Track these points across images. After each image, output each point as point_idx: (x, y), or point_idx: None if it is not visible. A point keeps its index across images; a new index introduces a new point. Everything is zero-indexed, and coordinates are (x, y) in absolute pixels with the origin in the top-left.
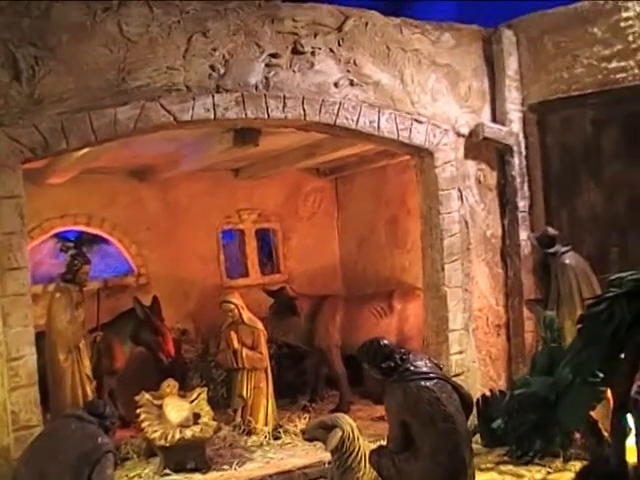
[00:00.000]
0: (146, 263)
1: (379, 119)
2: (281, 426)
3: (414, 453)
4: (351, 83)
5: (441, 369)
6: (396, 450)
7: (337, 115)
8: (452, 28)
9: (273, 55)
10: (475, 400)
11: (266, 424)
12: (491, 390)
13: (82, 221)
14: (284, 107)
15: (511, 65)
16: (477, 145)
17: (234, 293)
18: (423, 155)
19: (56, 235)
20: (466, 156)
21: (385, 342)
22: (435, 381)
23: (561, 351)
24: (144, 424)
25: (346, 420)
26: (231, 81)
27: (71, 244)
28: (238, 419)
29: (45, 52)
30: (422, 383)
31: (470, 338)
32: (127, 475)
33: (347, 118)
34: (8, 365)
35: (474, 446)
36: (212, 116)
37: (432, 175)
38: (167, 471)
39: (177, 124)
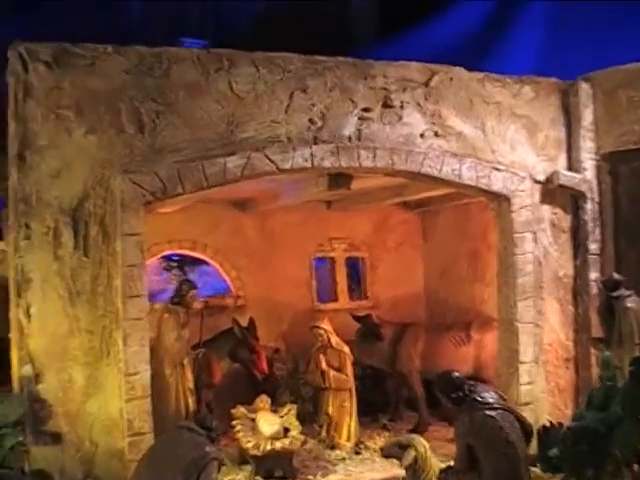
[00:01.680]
0: (244, 286)
1: (461, 167)
2: (362, 442)
3: (478, 473)
4: (435, 134)
5: (505, 400)
6: (462, 470)
7: (422, 164)
8: (532, 81)
9: (365, 109)
10: (536, 430)
11: (348, 440)
12: (550, 421)
13: (187, 246)
14: (374, 157)
15: (587, 116)
16: (552, 191)
17: (324, 319)
18: (501, 200)
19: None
20: (541, 201)
21: (456, 375)
22: (499, 411)
23: (616, 389)
24: (239, 434)
25: (420, 441)
26: (327, 133)
27: (174, 264)
28: (323, 434)
29: (164, 107)
30: (487, 412)
31: (540, 370)
32: (222, 479)
33: (431, 167)
34: (126, 379)
35: (534, 472)
36: (310, 165)
37: (509, 219)
38: (258, 478)
39: (279, 172)
